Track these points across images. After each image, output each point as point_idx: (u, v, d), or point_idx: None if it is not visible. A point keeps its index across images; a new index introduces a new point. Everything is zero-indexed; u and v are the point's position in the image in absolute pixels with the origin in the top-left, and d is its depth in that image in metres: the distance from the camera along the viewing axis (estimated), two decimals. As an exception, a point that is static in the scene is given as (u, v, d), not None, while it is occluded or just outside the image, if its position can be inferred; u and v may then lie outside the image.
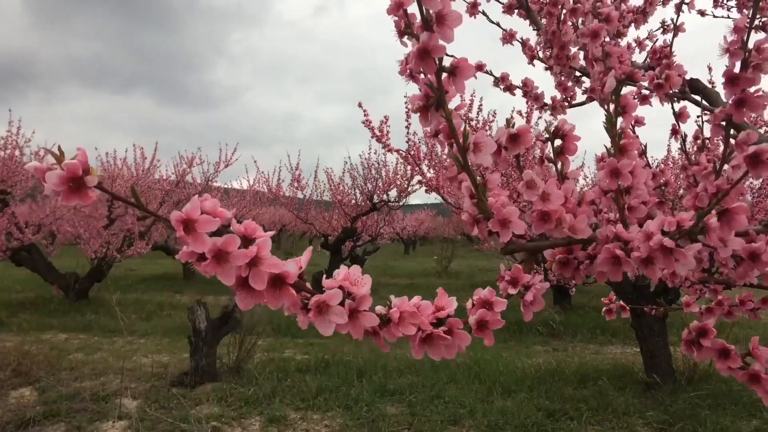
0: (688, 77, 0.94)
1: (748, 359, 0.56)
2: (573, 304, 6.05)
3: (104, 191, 0.36)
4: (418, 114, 0.40)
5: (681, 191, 3.38)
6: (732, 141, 0.58)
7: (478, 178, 0.43)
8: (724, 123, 0.51)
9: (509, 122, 0.44)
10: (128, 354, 4.00)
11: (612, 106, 0.47)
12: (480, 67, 1.26)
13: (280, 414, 2.77)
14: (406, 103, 3.84)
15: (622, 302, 1.05)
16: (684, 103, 0.96)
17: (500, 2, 1.19)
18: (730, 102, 0.46)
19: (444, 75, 0.39)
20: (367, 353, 3.88)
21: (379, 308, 0.39)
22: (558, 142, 0.49)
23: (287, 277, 0.36)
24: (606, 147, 0.48)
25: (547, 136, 0.47)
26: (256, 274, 0.35)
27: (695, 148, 0.89)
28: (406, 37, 0.39)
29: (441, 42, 0.37)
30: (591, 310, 5.68)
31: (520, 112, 3.32)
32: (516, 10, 1.17)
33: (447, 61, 0.40)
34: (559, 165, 0.49)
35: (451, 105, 0.40)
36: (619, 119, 0.49)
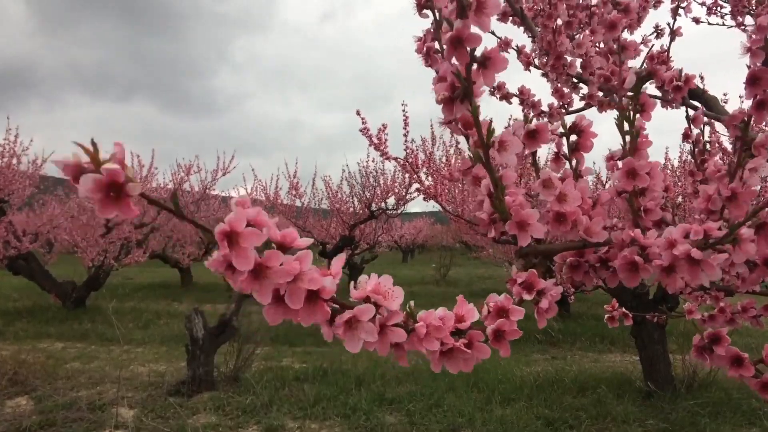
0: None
1: (760, 367, 0.55)
2: (572, 312, 6.03)
3: (147, 199, 0.30)
4: (442, 105, 0.38)
5: (679, 198, 3.39)
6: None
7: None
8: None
9: (527, 118, 0.43)
10: (125, 363, 3.98)
11: (625, 104, 0.46)
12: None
13: (277, 423, 2.75)
14: (404, 110, 3.82)
15: (624, 309, 1.04)
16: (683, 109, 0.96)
17: (494, 10, 1.19)
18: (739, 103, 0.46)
19: (473, 66, 0.37)
20: (366, 362, 3.85)
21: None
22: (573, 137, 0.48)
23: (323, 292, 0.33)
24: (621, 145, 0.47)
25: (562, 131, 0.46)
26: (294, 291, 0.31)
27: (696, 152, 0.89)
28: (425, 10, 0.37)
29: (476, 31, 0.35)
30: (590, 318, 5.66)
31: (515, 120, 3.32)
32: (510, 18, 1.17)
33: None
34: (573, 162, 0.48)
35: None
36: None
